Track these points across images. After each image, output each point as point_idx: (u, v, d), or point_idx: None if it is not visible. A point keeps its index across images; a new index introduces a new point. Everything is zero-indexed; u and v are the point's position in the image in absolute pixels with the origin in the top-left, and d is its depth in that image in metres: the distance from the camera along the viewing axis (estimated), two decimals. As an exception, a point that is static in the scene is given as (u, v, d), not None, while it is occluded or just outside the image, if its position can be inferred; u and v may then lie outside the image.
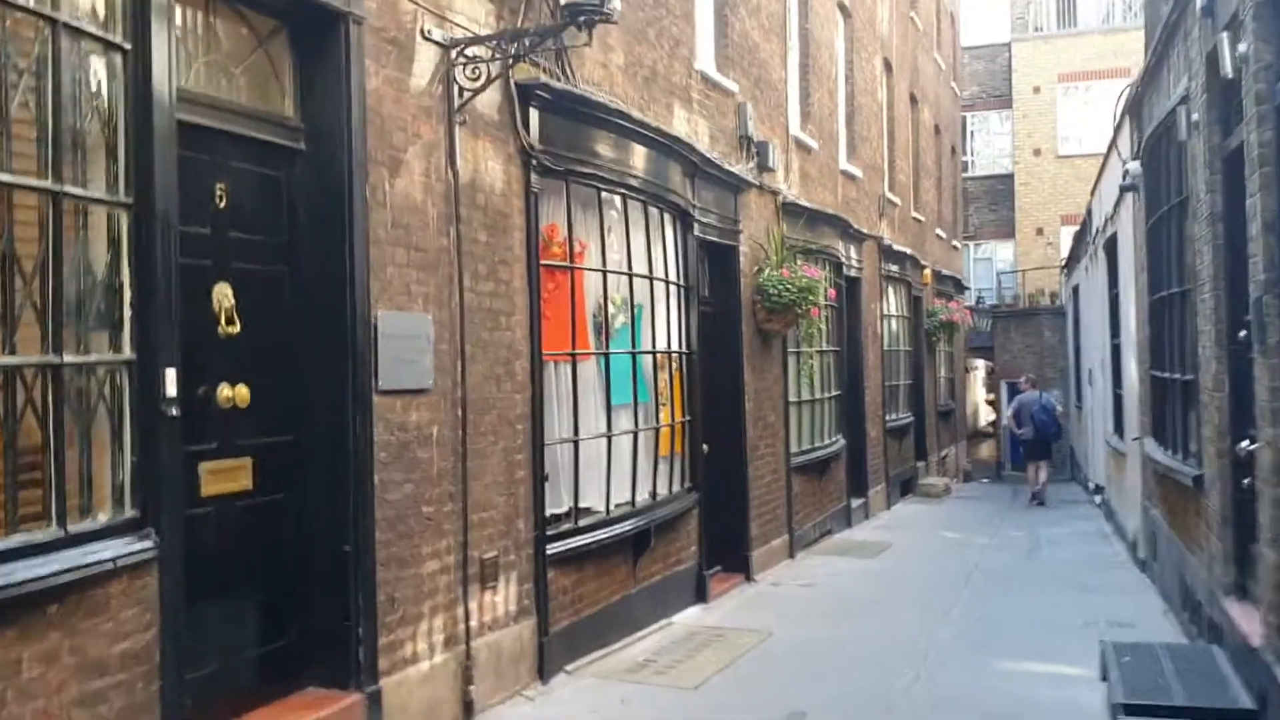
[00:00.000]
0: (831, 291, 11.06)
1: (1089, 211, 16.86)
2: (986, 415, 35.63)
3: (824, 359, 13.05)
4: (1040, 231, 30.01)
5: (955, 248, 25.59)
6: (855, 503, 14.41)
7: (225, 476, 4.55)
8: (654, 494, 7.93)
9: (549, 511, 6.60)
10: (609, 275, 7.46)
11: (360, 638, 4.91)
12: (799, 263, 10.67)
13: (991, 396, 36.02)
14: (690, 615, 8.49)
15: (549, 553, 6.45)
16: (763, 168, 10.58)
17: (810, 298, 10.40)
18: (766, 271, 10.41)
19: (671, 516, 8.21)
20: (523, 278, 6.30)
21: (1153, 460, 8.95)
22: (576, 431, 6.88)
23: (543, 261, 6.55)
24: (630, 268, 7.62)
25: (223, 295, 4.53)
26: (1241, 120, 5.55)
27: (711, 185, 9.35)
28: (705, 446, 9.30)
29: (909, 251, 18.06)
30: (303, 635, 4.93)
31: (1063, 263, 26.75)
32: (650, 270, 7.97)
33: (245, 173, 4.72)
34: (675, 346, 8.57)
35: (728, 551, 9.90)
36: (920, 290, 19.82)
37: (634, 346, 7.61)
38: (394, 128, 5.26)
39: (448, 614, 5.54)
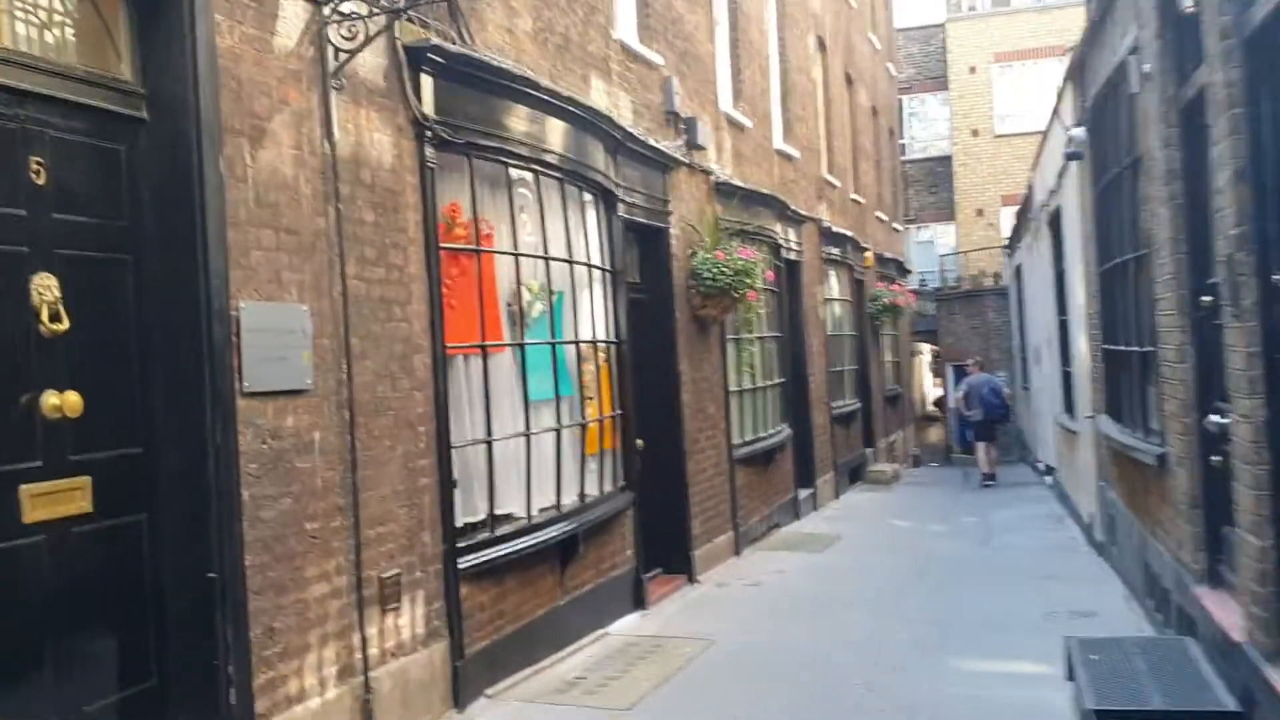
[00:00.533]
0: (769, 274, 10.55)
1: (1030, 188, 16.50)
2: (933, 399, 35.50)
3: (765, 346, 12.53)
4: (980, 212, 29.78)
5: (896, 230, 25.25)
6: (803, 493, 13.92)
7: (56, 499, 3.87)
8: (582, 496, 7.33)
9: (461, 521, 5.99)
10: (523, 259, 6.83)
11: (231, 677, 4.26)
12: (734, 245, 10.12)
13: (938, 380, 35.97)
14: (628, 624, 7.90)
15: (462, 567, 5.82)
16: (692, 145, 10.01)
17: (747, 281, 9.85)
18: (700, 254, 9.84)
19: (604, 519, 7.62)
20: (420, 263, 5.66)
21: (1109, 439, 8.51)
22: (490, 431, 6.25)
23: (443, 244, 5.92)
24: (546, 251, 7.00)
25: (44, 287, 3.85)
26: (1202, 63, 5.06)
27: (637, 163, 8.76)
28: (640, 442, 8.72)
29: (850, 234, 17.60)
30: (165, 678, 4.28)
31: (1005, 243, 26.51)
32: (570, 253, 7.36)
33: (72, 145, 4.04)
34: (602, 336, 7.97)
35: (668, 552, 9.34)
36: (863, 274, 19.40)
37: (554, 336, 6.99)
38: (255, 93, 4.60)
39: (341, 643, 4.90)
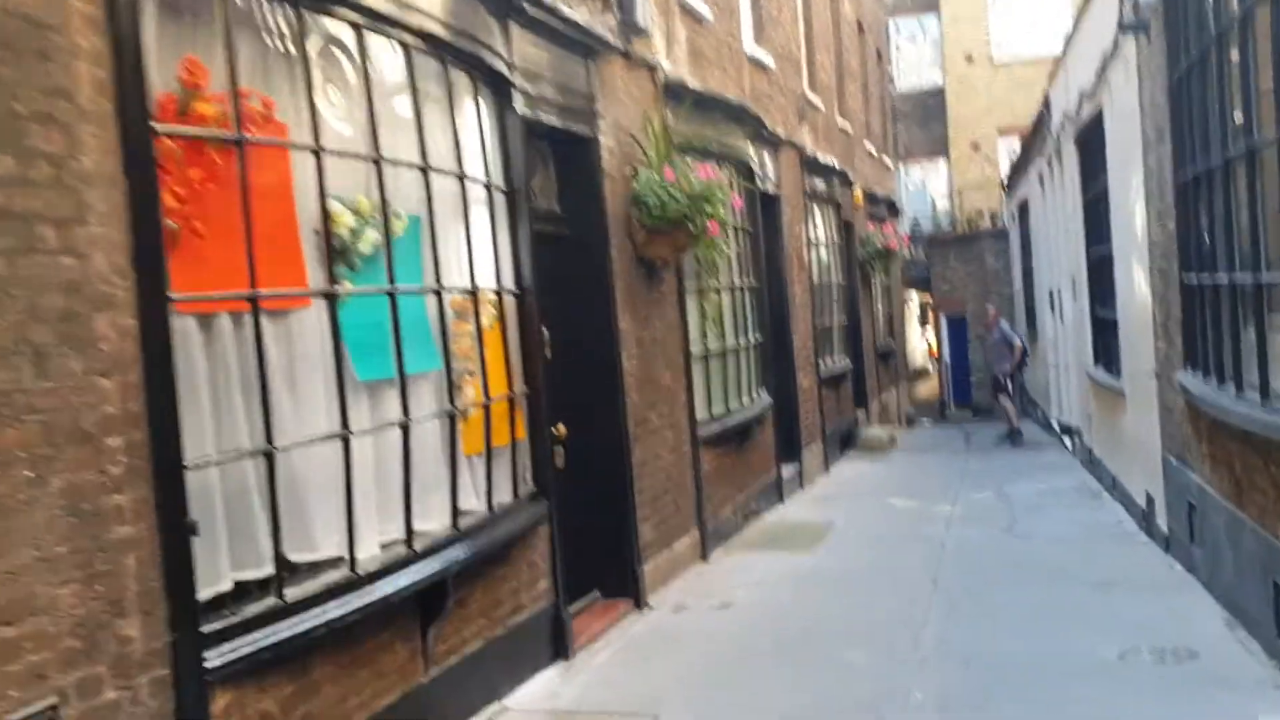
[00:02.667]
0: (737, 200, 8.22)
1: (1045, 105, 14.13)
2: (930, 352, 33.31)
3: (737, 297, 10.19)
4: (977, 147, 27.36)
5: (887, 166, 22.84)
6: (788, 471, 11.65)
7: None
8: (457, 517, 5.00)
9: (212, 589, 3.67)
10: (338, 162, 4.45)
11: None
12: (689, 162, 7.76)
13: (925, 331, 33.74)
14: (537, 689, 5.63)
15: (215, 665, 3.51)
16: (629, 27, 7.61)
17: (707, 208, 7.50)
18: (643, 174, 7.48)
19: (496, 545, 5.32)
20: (108, 153, 3.29)
21: (1196, 403, 6.22)
22: (271, 436, 3.91)
23: (165, 126, 3.55)
24: (377, 150, 4.60)
25: None
26: None
27: (545, 40, 6.37)
28: (560, 429, 6.43)
29: (837, 165, 15.22)
30: None
31: (1004, 180, 24.16)
32: (425, 158, 4.98)
33: None
34: (489, 283, 5.63)
35: (608, 570, 7.08)
36: (851, 213, 17.04)
37: (393, 283, 4.62)
38: None
39: None
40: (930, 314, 30.21)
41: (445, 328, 5.05)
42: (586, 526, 6.92)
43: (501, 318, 5.66)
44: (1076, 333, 12.79)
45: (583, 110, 6.91)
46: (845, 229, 16.52)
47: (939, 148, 28.46)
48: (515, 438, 5.70)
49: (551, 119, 6.47)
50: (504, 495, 5.60)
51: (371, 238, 4.61)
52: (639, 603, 7.07)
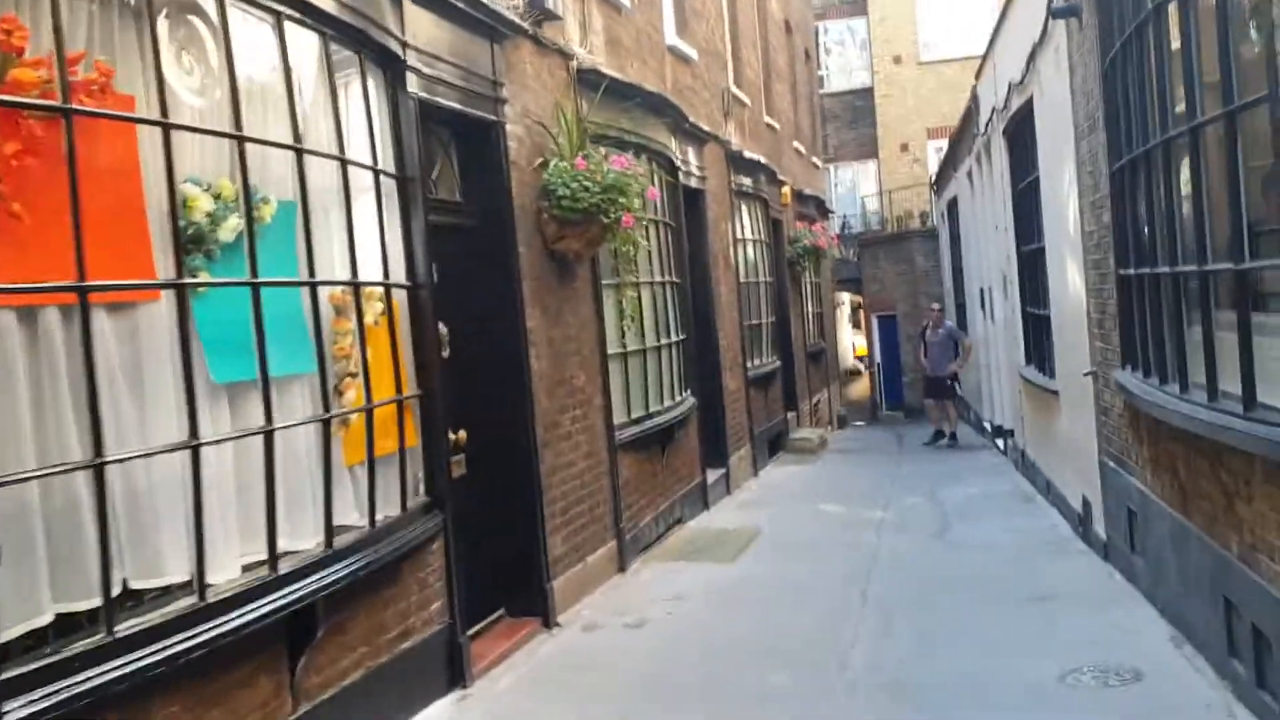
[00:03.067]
0: (653, 192, 7.76)
1: (973, 101, 13.91)
2: (855, 353, 33.22)
3: (658, 294, 9.76)
4: (905, 148, 27.27)
5: (816, 166, 22.60)
6: (713, 475, 11.25)
7: None
8: (331, 535, 4.47)
9: (25, 625, 3.13)
10: (192, 140, 3.92)
11: None
12: (602, 152, 7.29)
13: (857, 332, 33.63)
14: (431, 721, 5.13)
15: (20, 718, 2.96)
16: (540, 10, 7.12)
17: (620, 200, 7.04)
18: (554, 164, 7.01)
19: (381, 564, 4.80)
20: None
21: (1136, 403, 5.89)
22: (102, 445, 3.36)
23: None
24: (239, 128, 4.07)
25: None
26: None
27: (444, 19, 5.87)
28: (460, 434, 5.93)
29: (764, 161, 14.86)
30: None
31: (932, 179, 24.07)
32: (298, 139, 4.45)
33: None
34: (377, 276, 5.11)
35: (515, 586, 6.60)
36: (780, 212, 16.72)
37: (257, 274, 4.08)
38: None
39: None
40: (862, 314, 30.09)
41: (321, 325, 4.52)
42: (491, 540, 6.44)
43: (390, 314, 5.14)
44: (1008, 332, 12.55)
45: (487, 95, 6.42)
46: (774, 227, 16.19)
47: (868, 149, 28.37)
48: (405, 445, 5.19)
49: (451, 102, 5.97)
50: (391, 508, 5.09)
51: (234, 224, 4.07)
52: (548, 622, 6.59)
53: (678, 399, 9.99)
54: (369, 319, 4.96)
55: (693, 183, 11.22)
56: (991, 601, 6.76)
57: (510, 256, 6.59)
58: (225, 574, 3.93)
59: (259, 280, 4.07)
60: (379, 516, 4.92)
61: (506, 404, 6.54)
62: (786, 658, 5.87)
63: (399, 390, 5.14)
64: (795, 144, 19.24)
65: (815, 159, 22.41)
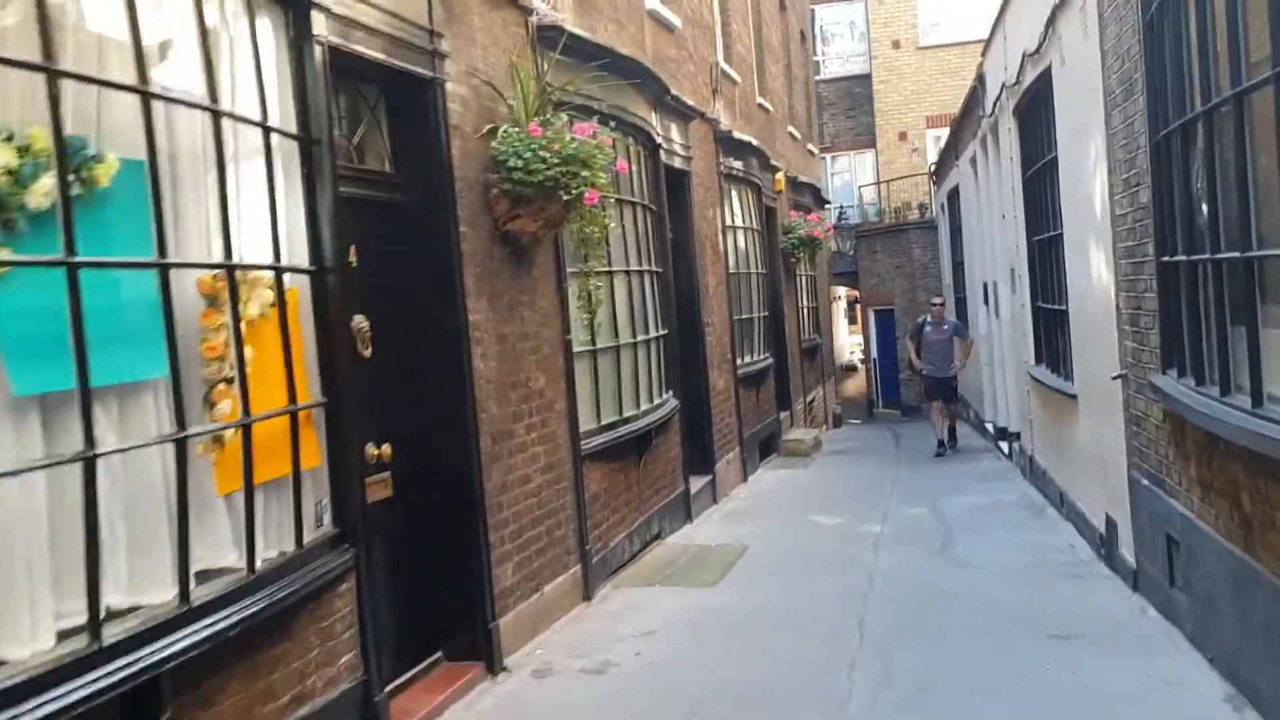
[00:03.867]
0: (621, 164, 6.78)
1: (979, 81, 12.97)
2: (851, 348, 32.28)
3: (636, 284, 8.82)
4: (904, 136, 26.29)
5: (812, 153, 21.65)
6: (698, 484, 10.32)
7: None
8: (185, 588, 3.52)
9: None
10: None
11: None
12: (563, 119, 6.34)
13: (854, 328, 32.64)
14: (329, 807, 4.19)
15: None
16: (489, -45, 6.18)
17: (583, 173, 6.08)
18: (505, 131, 6.06)
19: (267, 615, 3.85)
20: None
21: (1189, 416, 4.96)
22: None
23: None
24: (51, 62, 3.11)
25: None
26: None
27: (361, -48, 4.92)
28: (384, 450, 5.00)
29: (756, 144, 13.90)
30: None
31: (931, 169, 23.14)
32: (144, 81, 3.48)
33: None
34: (265, 259, 4.15)
35: (453, 626, 5.65)
36: (773, 199, 15.79)
37: (74, 251, 3.12)
38: None
39: None
40: (859, 309, 29.15)
41: (178, 319, 3.56)
42: (426, 572, 5.50)
43: (283, 305, 4.19)
44: (1015, 328, 11.63)
45: (422, 48, 5.46)
46: (767, 215, 15.25)
47: (866, 138, 27.41)
48: (301, 466, 4.23)
49: (374, 53, 5.02)
50: (284, 543, 4.15)
51: (46, 186, 3.13)
52: (492, 666, 5.64)
53: (657, 401, 9.05)
54: (252, 311, 4.01)
55: (676, 162, 10.27)
56: (1006, 639, 5.83)
57: (449, 238, 5.63)
58: (32, 646, 3.00)
59: (77, 260, 3.11)
60: (265, 556, 3.98)
61: (445, 411, 5.60)
62: (771, 713, 4.94)
63: (293, 398, 4.19)
64: (790, 129, 18.30)
65: (811, 146, 21.47)
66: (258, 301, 4.05)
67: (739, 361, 12.69)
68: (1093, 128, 6.73)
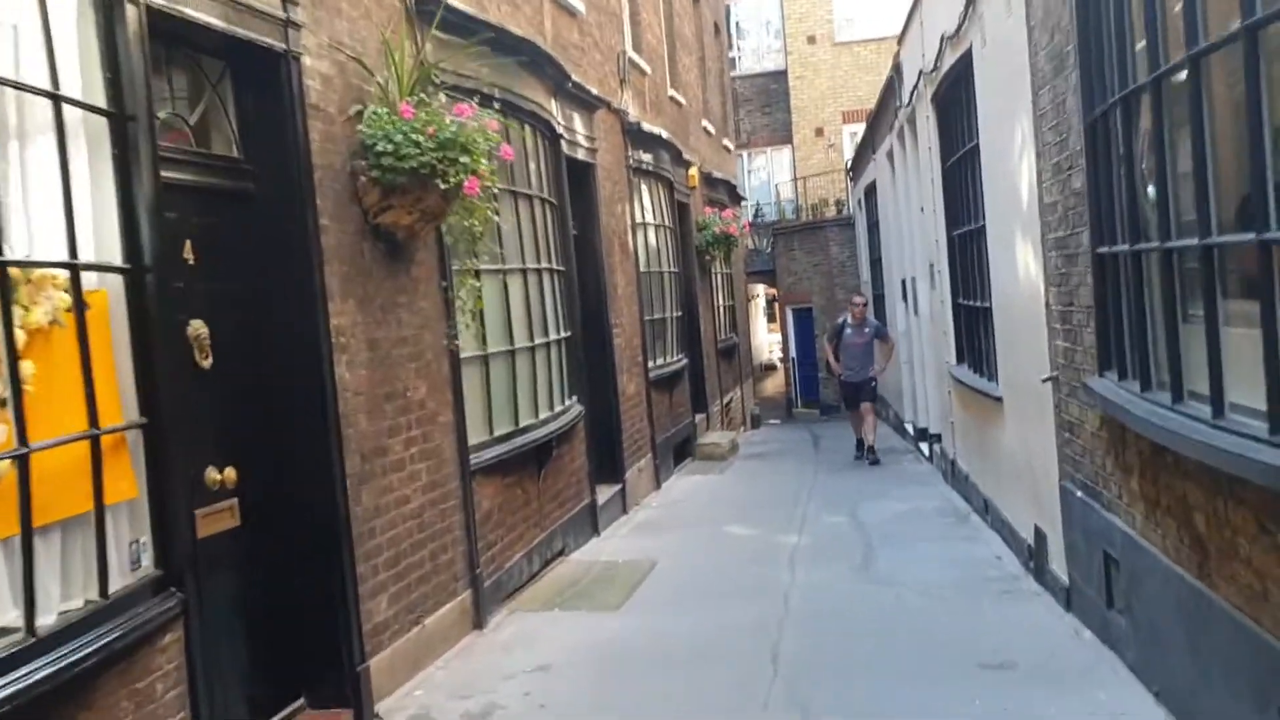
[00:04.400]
0: (506, 150, 6.11)
1: (895, 70, 12.57)
2: (771, 347, 31.98)
3: (534, 283, 8.19)
4: (820, 132, 26.00)
5: (728, 149, 21.20)
6: (606, 494, 9.73)
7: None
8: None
9: None
10: None
11: None
12: (442, 100, 5.69)
13: (772, 326, 32.33)
14: None
15: None
16: (354, -86, 5.50)
17: (463, 160, 5.43)
18: (373, 112, 5.39)
19: (54, 683, 3.15)
20: None
21: (1131, 423, 4.49)
22: None
23: None
24: None
25: None
26: None
27: (188, -103, 4.23)
28: (228, 473, 4.33)
29: (667, 138, 13.34)
30: None
31: (848, 164, 22.84)
32: None
33: None
34: (58, 254, 3.45)
35: (316, 669, 4.96)
36: (687, 195, 15.26)
37: None
38: None
39: None
40: (777, 308, 28.81)
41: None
42: (283, 610, 4.82)
43: (80, 311, 3.49)
44: (935, 326, 11.23)
45: (272, 16, 4.77)
46: (680, 211, 14.72)
47: (782, 134, 27.09)
48: (106, 499, 3.53)
49: (210, 18, 4.32)
50: (88, 591, 3.46)
51: None
52: (361, 714, 4.97)
53: (559, 408, 8.43)
54: (38, 317, 3.31)
55: (580, 154, 9.66)
56: (934, 671, 5.31)
57: (307, 232, 4.95)
58: None
59: None
60: (60, 610, 3.29)
61: (303, 428, 4.92)
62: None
63: (95, 420, 3.49)
64: (704, 123, 17.79)
65: (726, 141, 21.01)
66: (46, 306, 3.36)
67: (651, 364, 12.13)
68: (1018, 110, 6.27)
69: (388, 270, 5.69)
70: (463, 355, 6.60)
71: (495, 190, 6.20)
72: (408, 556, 5.68)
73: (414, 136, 5.27)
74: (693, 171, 15.56)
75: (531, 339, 7.88)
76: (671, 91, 14.81)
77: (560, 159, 9.01)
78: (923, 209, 11.36)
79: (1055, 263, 5.73)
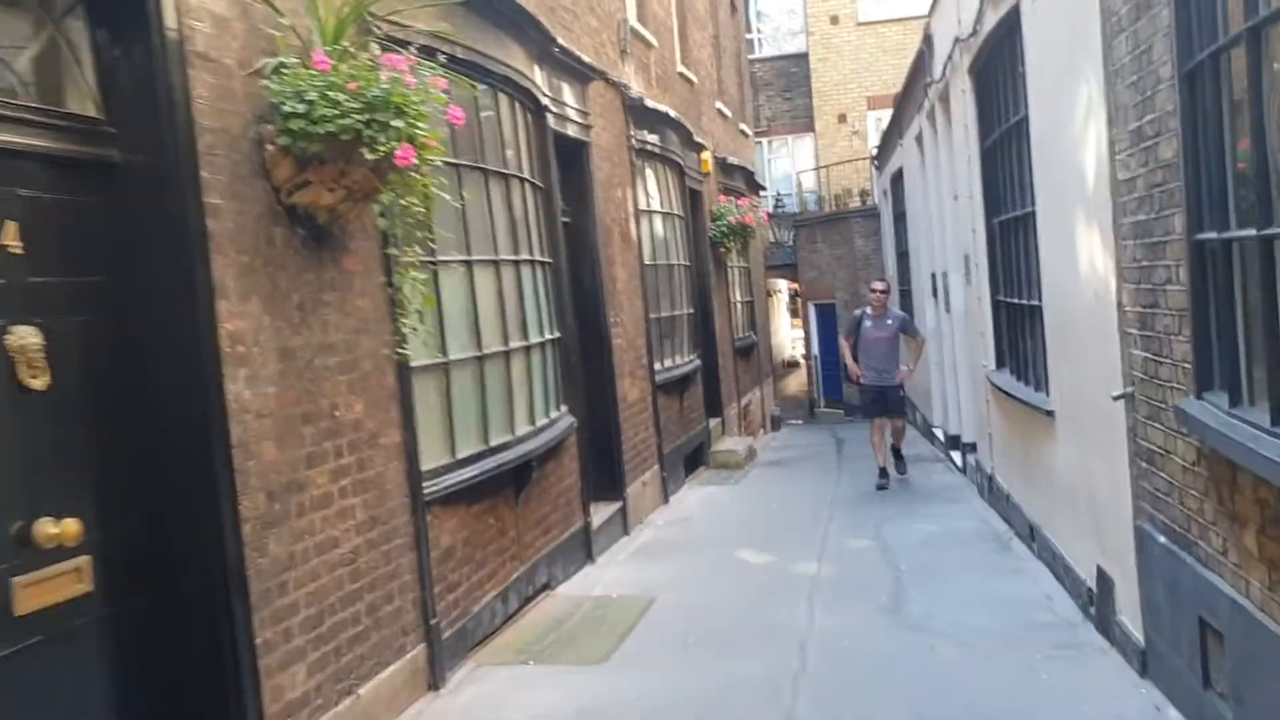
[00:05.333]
0: (455, 113, 4.98)
1: (926, 42, 11.44)
2: (794, 343, 30.83)
3: (510, 276, 7.13)
4: (843, 118, 24.81)
5: (745, 134, 20.06)
6: (603, 514, 8.70)
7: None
8: None
9: None
10: None
11: None
12: (375, 51, 4.62)
13: (796, 322, 31.15)
14: None
15: None
16: None
17: (395, 124, 4.35)
18: (278, 64, 4.33)
19: None
20: None
21: (1248, 464, 3.38)
22: None
23: None
24: None
25: None
26: None
27: None
28: (66, 526, 3.30)
29: (676, 117, 12.25)
30: None
31: (873, 152, 21.67)
32: None
33: None
34: None
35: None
36: (700, 182, 14.17)
37: None
38: None
39: None
40: (799, 303, 27.67)
41: None
42: (155, 693, 3.79)
43: None
44: (970, 325, 10.12)
45: (139, -68, 3.73)
46: (692, 199, 13.63)
47: (804, 121, 25.92)
48: None
49: (36, -73, 3.28)
50: None
51: None
52: (257, 828, 3.94)
53: (543, 422, 7.36)
54: None
55: (570, 130, 8.60)
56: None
57: (187, 212, 3.90)
58: None
59: None
60: None
61: (180, 462, 3.87)
62: None
63: None
64: (718, 104, 16.68)
65: (744, 126, 19.87)
66: None
67: (658, 366, 11.07)
68: (1082, 68, 5.15)
69: (307, 262, 4.64)
70: (415, 364, 5.54)
71: (443, 163, 5.13)
72: (335, 613, 4.64)
73: (333, 94, 4.21)
74: (705, 156, 14.47)
75: (506, 342, 6.81)
76: (681, 68, 13.71)
77: (546, 134, 7.95)
78: (956, 196, 10.24)
79: (1132, 253, 4.62)
